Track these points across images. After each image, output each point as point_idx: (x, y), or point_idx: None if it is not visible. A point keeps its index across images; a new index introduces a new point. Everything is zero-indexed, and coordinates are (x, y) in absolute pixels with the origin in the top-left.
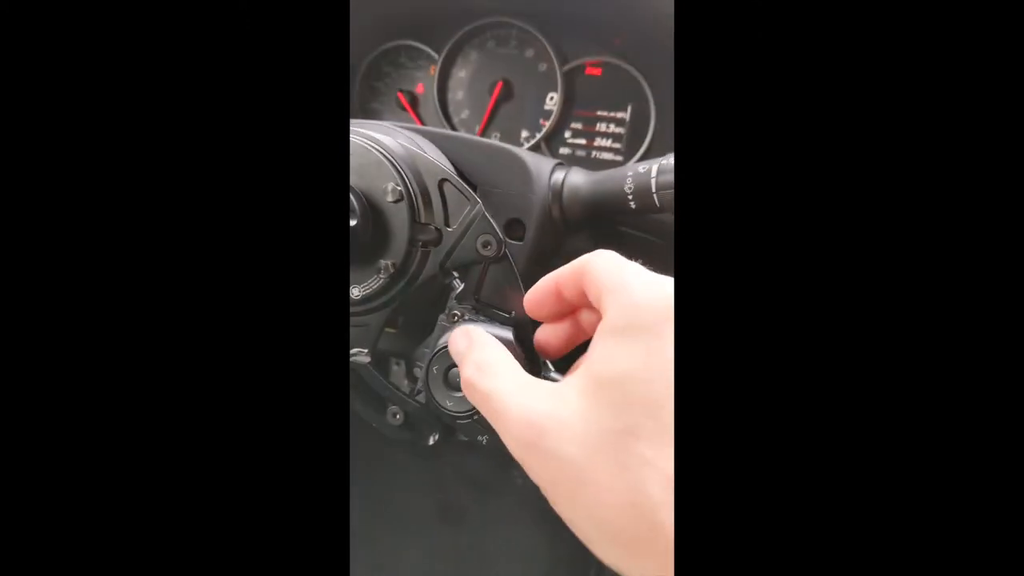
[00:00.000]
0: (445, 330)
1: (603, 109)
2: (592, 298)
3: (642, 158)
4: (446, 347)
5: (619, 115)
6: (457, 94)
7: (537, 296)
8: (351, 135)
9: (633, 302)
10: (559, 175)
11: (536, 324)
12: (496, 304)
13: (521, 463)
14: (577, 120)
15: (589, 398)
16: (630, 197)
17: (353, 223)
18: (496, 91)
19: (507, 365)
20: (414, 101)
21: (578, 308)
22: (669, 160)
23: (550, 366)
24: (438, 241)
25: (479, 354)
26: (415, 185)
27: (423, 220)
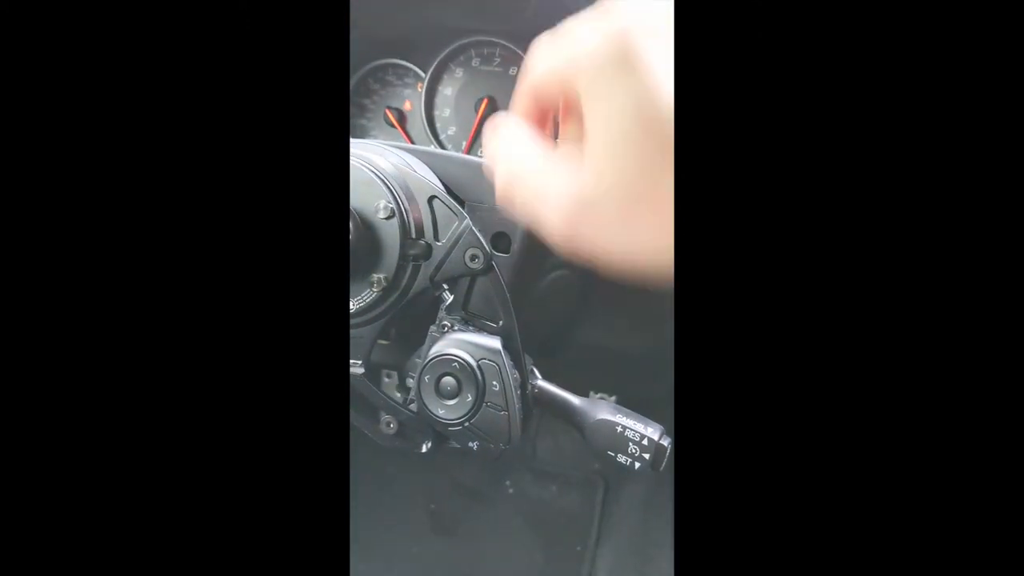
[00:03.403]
0: (435, 340)
1: None
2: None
3: None
4: (437, 357)
5: None
6: (444, 111)
7: (522, 109)
8: None
9: (609, 39)
10: None
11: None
12: (484, 314)
13: (573, 245)
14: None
15: (616, 139)
16: None
17: None
18: (482, 108)
19: (534, 158)
20: (402, 118)
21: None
22: None
23: (536, 373)
24: (428, 255)
25: (505, 164)
26: (405, 202)
27: (413, 235)
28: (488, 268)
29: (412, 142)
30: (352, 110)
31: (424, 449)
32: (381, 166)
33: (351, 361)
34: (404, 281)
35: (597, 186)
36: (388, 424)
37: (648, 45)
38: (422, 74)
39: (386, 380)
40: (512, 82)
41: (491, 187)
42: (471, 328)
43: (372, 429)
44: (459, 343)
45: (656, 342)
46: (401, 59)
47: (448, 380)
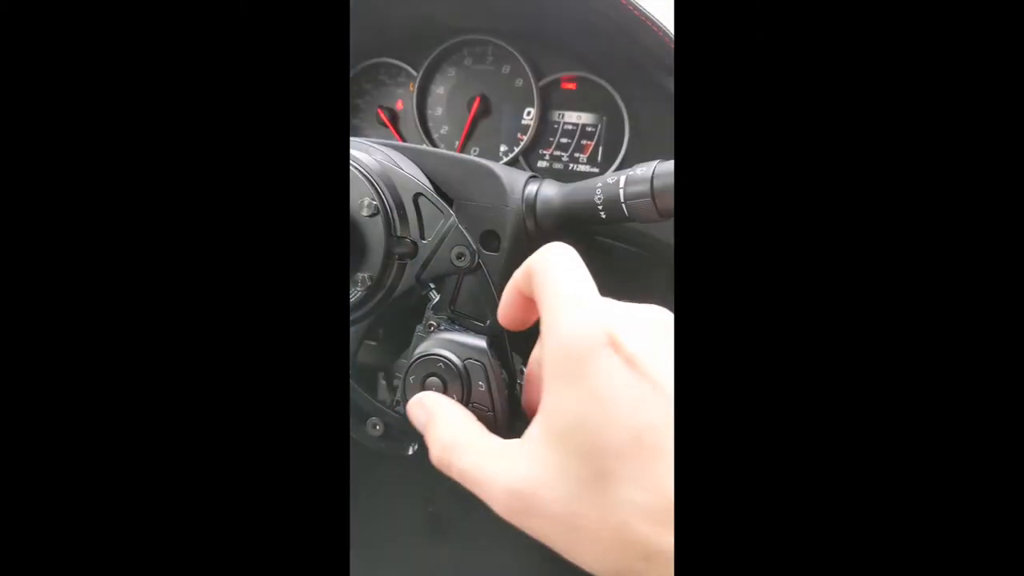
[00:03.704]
0: (422, 340)
1: (579, 122)
2: (538, 308)
3: (618, 168)
4: (423, 357)
5: (594, 128)
6: (436, 110)
7: (504, 306)
8: None
9: (565, 346)
10: (532, 187)
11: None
12: (471, 313)
13: (516, 525)
14: (554, 134)
15: (556, 451)
16: (600, 208)
17: None
18: (474, 107)
19: (471, 435)
20: (394, 117)
21: None
22: (636, 171)
23: (524, 370)
24: (413, 254)
25: (442, 431)
26: (390, 199)
27: (399, 233)
28: (475, 266)
29: (404, 142)
30: None
31: (411, 451)
32: (365, 163)
33: None
34: (390, 280)
35: (539, 484)
36: (374, 426)
37: (609, 361)
38: (414, 73)
39: (382, 383)
40: (504, 80)
41: (480, 185)
42: (458, 327)
43: (359, 431)
44: (445, 343)
45: None
46: (393, 58)
47: (433, 380)
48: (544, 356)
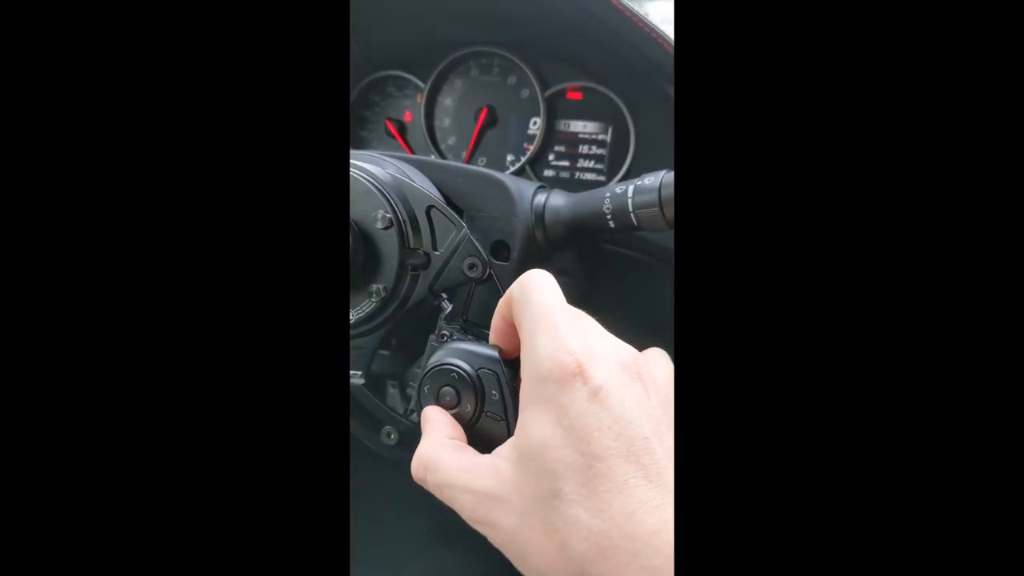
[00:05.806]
0: (435, 350)
1: (584, 132)
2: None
3: (624, 177)
4: (436, 367)
5: (600, 137)
6: (444, 121)
7: (493, 331)
8: None
9: (539, 373)
10: (541, 198)
11: None
12: (483, 323)
13: (480, 532)
14: (560, 143)
15: (519, 469)
16: (608, 217)
17: None
18: (481, 117)
19: (447, 452)
20: (402, 129)
21: None
22: (644, 180)
23: None
24: (427, 265)
25: (422, 448)
26: (404, 212)
27: (412, 245)
28: (486, 277)
29: (413, 153)
30: (353, 122)
31: None
32: (379, 176)
33: (352, 372)
34: (403, 291)
35: (497, 497)
36: (389, 435)
37: (575, 391)
38: (421, 85)
39: (391, 391)
40: (510, 91)
41: (489, 196)
42: (470, 337)
43: (373, 440)
44: (458, 352)
45: None
46: (401, 71)
47: (447, 390)
48: (523, 382)
